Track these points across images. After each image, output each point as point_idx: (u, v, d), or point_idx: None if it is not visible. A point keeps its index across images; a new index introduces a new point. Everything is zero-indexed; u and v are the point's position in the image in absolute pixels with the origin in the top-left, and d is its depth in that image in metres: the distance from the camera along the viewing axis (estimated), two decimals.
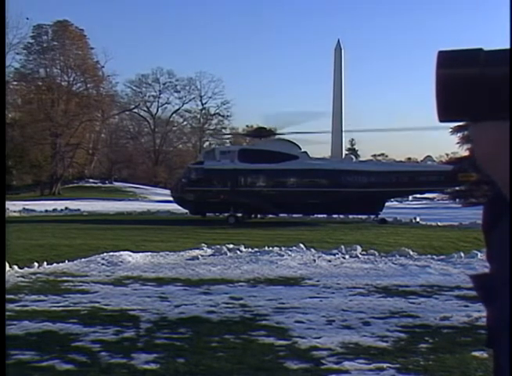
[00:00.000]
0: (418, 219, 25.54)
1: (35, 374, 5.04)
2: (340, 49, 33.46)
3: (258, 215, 27.17)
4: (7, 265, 10.40)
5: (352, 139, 58.83)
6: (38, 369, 5.15)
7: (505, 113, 0.51)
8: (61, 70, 54.46)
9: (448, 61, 0.55)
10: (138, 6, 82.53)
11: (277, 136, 28.81)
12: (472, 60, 0.54)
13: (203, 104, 64.68)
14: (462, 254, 12.38)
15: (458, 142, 40.01)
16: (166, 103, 64.77)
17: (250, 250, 13.24)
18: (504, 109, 0.51)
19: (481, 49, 0.55)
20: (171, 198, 28.58)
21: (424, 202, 47.60)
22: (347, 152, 47.83)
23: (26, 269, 10.68)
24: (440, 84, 0.54)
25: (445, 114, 0.55)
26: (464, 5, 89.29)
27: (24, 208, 29.26)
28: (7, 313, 7.09)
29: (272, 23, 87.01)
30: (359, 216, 25.85)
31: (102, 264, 11.35)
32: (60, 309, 7.53)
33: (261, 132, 29.31)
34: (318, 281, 9.72)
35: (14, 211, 27.48)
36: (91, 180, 58.16)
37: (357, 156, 52.90)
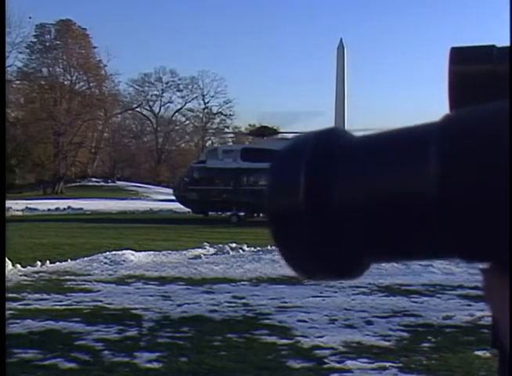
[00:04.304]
0: None
1: (38, 372, 5.06)
2: (343, 48, 33.41)
3: (261, 214, 27.19)
4: (10, 263, 10.43)
5: None
6: (41, 367, 5.16)
7: None
8: (64, 69, 54.48)
9: (461, 57, 0.54)
10: (141, 5, 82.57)
11: (280, 135, 28.83)
12: (485, 57, 0.53)
13: (205, 103, 64.66)
14: None
15: None
16: (168, 102, 64.74)
17: (252, 249, 13.24)
18: None
19: (493, 46, 0.54)
20: (173, 197, 28.61)
21: None
22: None
23: (29, 267, 10.70)
24: (452, 81, 0.54)
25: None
26: (469, 2, 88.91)
27: (27, 207, 29.29)
28: (10, 312, 7.11)
29: (275, 22, 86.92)
30: None
31: (105, 263, 11.37)
32: (63, 307, 7.54)
33: (263, 131, 29.34)
34: None
35: (17, 210, 27.51)
36: (93, 179, 58.15)
37: None
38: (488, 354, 5.29)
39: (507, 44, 0.54)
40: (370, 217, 0.30)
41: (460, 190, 0.28)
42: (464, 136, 0.28)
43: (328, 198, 0.31)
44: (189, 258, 12.33)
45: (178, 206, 28.34)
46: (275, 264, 11.35)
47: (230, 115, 64.56)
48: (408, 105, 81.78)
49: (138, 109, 64.14)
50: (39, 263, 11.03)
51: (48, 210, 29.84)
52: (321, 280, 0.34)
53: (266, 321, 6.89)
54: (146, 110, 64.87)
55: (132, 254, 12.13)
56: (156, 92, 64.09)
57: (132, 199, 43.44)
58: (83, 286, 9.15)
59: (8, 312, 7.09)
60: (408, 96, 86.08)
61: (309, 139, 0.33)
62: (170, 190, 33.56)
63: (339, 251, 0.32)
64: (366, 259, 0.33)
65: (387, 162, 0.30)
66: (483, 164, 0.27)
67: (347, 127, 31.71)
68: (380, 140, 0.32)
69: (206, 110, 65.10)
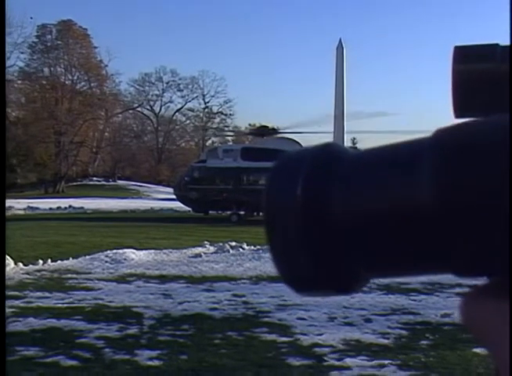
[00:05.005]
0: None
1: (40, 369, 5.07)
2: (342, 48, 33.35)
3: (261, 213, 27.16)
4: (12, 262, 10.44)
5: (354, 138, 58.73)
6: (43, 365, 5.17)
7: None
8: (65, 69, 54.45)
9: (465, 56, 0.54)
10: (141, 6, 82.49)
11: (279, 135, 28.84)
12: (489, 55, 0.53)
13: (205, 103, 64.60)
14: None
15: None
16: (169, 101, 64.69)
17: (252, 247, 13.24)
18: None
19: (497, 44, 0.55)
20: (173, 196, 28.59)
21: None
22: None
23: (30, 266, 10.70)
24: (456, 80, 0.54)
25: (461, 110, 0.54)
26: (466, 3, 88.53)
27: (29, 206, 29.28)
28: (12, 310, 7.12)
29: (274, 22, 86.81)
30: None
31: (106, 261, 11.37)
32: (65, 305, 7.55)
33: (263, 131, 29.35)
34: None
35: (19, 209, 27.52)
36: (94, 178, 58.08)
37: None
38: (486, 351, 5.29)
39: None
40: (367, 231, 0.30)
41: (455, 202, 0.27)
42: (457, 147, 0.28)
43: (326, 212, 0.31)
44: (190, 257, 12.34)
45: (178, 205, 28.32)
46: None
47: (230, 115, 64.59)
48: (409, 104, 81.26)
49: (138, 108, 64.13)
50: (41, 261, 11.03)
51: (50, 209, 29.79)
52: (317, 296, 0.34)
53: (266, 319, 6.90)
54: (147, 109, 64.86)
55: (133, 253, 12.13)
56: (156, 92, 64.11)
57: (133, 198, 43.44)
58: (84, 284, 9.15)
59: (10, 310, 7.10)
60: (409, 95, 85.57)
61: (306, 154, 0.33)
62: (170, 189, 33.55)
63: (337, 266, 0.31)
64: (364, 274, 0.32)
65: (382, 176, 0.30)
66: (477, 174, 0.27)
67: (346, 128, 31.42)
68: (376, 155, 0.32)
69: (206, 110, 65.09)
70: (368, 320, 6.84)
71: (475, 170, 0.27)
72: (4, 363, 2.94)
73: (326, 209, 0.31)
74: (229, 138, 58.94)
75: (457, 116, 0.55)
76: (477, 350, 5.45)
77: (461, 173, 0.28)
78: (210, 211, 26.46)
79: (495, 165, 0.27)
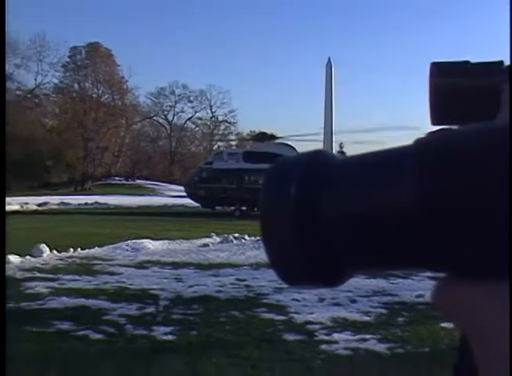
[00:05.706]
0: None
1: (73, 341, 5.09)
2: (331, 66, 33.24)
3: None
4: (48, 249, 10.48)
5: (341, 143, 58.57)
6: (75, 337, 5.19)
7: (486, 117, 0.50)
8: (92, 84, 54.38)
9: (440, 71, 0.55)
10: (157, 31, 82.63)
11: (276, 140, 28.83)
12: (460, 71, 0.54)
13: (212, 112, 64.44)
14: None
15: None
16: (181, 111, 64.52)
17: (253, 238, 13.24)
18: (485, 114, 0.51)
19: (468, 61, 0.56)
20: (185, 194, 28.56)
21: None
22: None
23: (63, 253, 10.72)
24: (433, 92, 0.54)
25: (437, 119, 0.55)
26: (450, 20, 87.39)
27: (62, 202, 29.28)
28: (48, 290, 7.15)
29: (275, 43, 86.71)
30: None
31: (127, 250, 11.38)
32: (92, 287, 7.57)
33: (263, 137, 29.34)
34: None
35: (53, 204, 27.58)
36: (116, 178, 57.96)
37: None
38: (451, 326, 5.32)
39: (479, 60, 0.55)
40: (353, 232, 0.29)
41: (438, 208, 0.26)
42: (438, 154, 0.27)
43: (317, 212, 0.29)
44: (199, 246, 12.34)
45: (189, 201, 28.28)
46: None
47: (234, 123, 64.48)
48: (397, 118, 79.89)
49: (154, 117, 64.08)
50: (72, 249, 11.04)
51: (79, 204, 29.74)
52: (303, 288, 0.32)
53: (265, 300, 6.91)
54: (162, 118, 64.77)
55: (150, 243, 12.13)
56: (170, 103, 63.95)
57: (150, 195, 43.36)
58: (108, 269, 9.16)
59: (47, 290, 7.14)
60: (396, 108, 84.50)
61: (299, 159, 0.31)
62: (182, 188, 33.41)
63: (326, 263, 0.30)
64: (351, 270, 0.31)
65: (368, 180, 0.29)
66: (460, 179, 0.25)
67: (335, 140, 31.17)
68: (361, 161, 0.31)
69: (213, 119, 64.97)
70: (353, 301, 6.85)
71: (458, 175, 0.25)
72: (4, 362, 2.88)
73: (318, 209, 0.29)
74: (233, 143, 58.84)
75: (434, 124, 0.56)
76: (445, 325, 5.48)
77: (443, 178, 0.26)
78: (216, 207, 26.44)
79: (478, 170, 0.25)
